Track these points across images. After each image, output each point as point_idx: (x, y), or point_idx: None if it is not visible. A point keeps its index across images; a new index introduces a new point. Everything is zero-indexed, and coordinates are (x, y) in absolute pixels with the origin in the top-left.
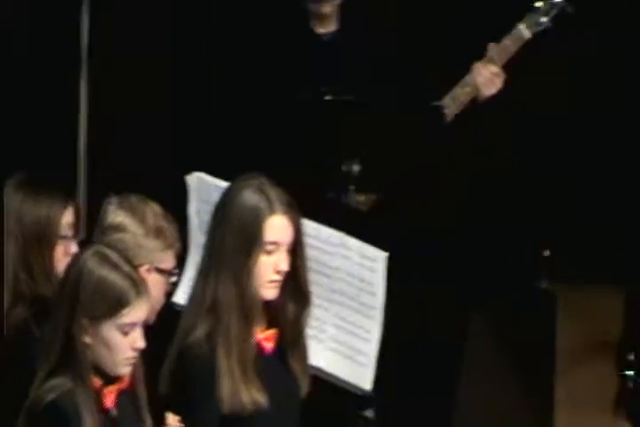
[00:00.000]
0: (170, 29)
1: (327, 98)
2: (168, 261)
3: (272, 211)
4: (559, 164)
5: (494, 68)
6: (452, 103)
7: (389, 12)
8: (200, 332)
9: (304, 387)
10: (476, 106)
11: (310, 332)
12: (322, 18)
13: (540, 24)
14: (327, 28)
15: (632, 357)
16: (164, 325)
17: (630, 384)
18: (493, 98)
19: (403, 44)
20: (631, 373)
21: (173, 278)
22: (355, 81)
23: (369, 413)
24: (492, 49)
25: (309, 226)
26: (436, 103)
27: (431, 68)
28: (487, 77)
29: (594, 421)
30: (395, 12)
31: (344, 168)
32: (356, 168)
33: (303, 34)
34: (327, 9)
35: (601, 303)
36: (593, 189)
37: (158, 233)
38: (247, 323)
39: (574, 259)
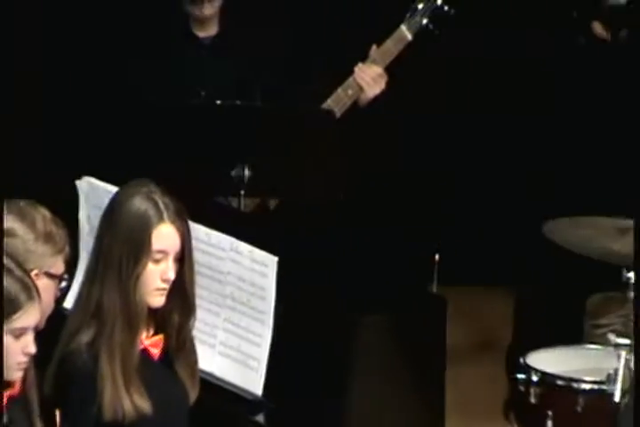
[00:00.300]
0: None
1: (217, 102)
2: (58, 267)
3: (161, 219)
4: (446, 165)
5: (377, 69)
6: (335, 105)
7: (273, 13)
8: (84, 337)
9: (192, 393)
10: (360, 108)
11: (201, 337)
12: (202, 21)
13: (421, 25)
14: (208, 32)
15: (522, 359)
16: (53, 330)
17: (521, 387)
18: (375, 99)
19: (287, 45)
20: (522, 376)
21: (63, 284)
22: (239, 84)
23: (260, 418)
24: (375, 50)
25: (200, 231)
26: (321, 106)
27: (316, 69)
28: (371, 78)
29: (484, 424)
30: (279, 13)
31: (234, 173)
32: (246, 173)
33: (184, 37)
34: (207, 11)
35: (491, 306)
36: (480, 191)
37: (48, 238)
38: (131, 330)
39: (463, 262)
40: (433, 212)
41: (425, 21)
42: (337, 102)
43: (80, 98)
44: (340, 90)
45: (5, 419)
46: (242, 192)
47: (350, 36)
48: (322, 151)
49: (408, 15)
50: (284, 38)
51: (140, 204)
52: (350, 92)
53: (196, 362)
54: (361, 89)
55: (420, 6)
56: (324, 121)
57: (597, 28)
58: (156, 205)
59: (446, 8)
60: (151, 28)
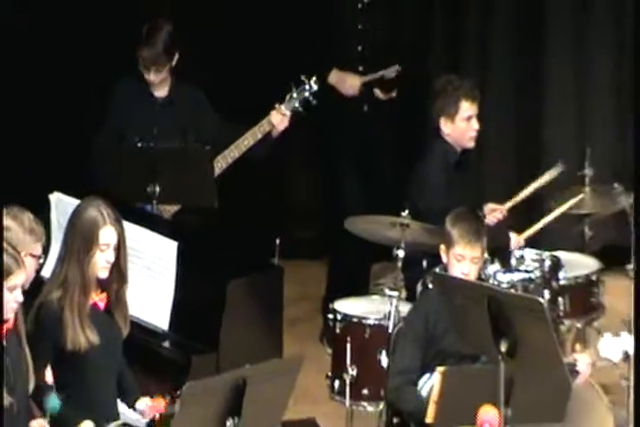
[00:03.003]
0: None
1: (139, 145)
2: (37, 250)
3: (104, 223)
4: (282, 176)
5: (286, 112)
6: (251, 137)
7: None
8: (55, 295)
9: (125, 331)
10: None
11: (131, 294)
12: (154, 84)
13: (294, 107)
14: (161, 93)
15: (331, 305)
16: (34, 289)
17: (330, 323)
18: (283, 133)
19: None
20: (331, 316)
21: (41, 260)
22: (181, 131)
23: (166, 344)
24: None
25: (131, 226)
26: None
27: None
28: (280, 119)
29: (309, 345)
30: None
31: (149, 189)
32: (157, 189)
33: (147, 96)
34: (152, 78)
35: (313, 272)
36: (312, 197)
37: (31, 231)
38: (85, 293)
39: (296, 243)
40: (276, 209)
41: (297, 105)
42: (252, 135)
43: (62, 136)
44: (255, 127)
45: (5, 342)
46: (154, 201)
47: (250, 103)
48: (201, 175)
49: (287, 98)
50: (211, 103)
51: (91, 213)
52: (261, 129)
53: (127, 311)
54: (273, 125)
55: (295, 95)
56: (204, 157)
57: (377, 92)
58: (102, 214)
59: (311, 99)
60: (125, 87)
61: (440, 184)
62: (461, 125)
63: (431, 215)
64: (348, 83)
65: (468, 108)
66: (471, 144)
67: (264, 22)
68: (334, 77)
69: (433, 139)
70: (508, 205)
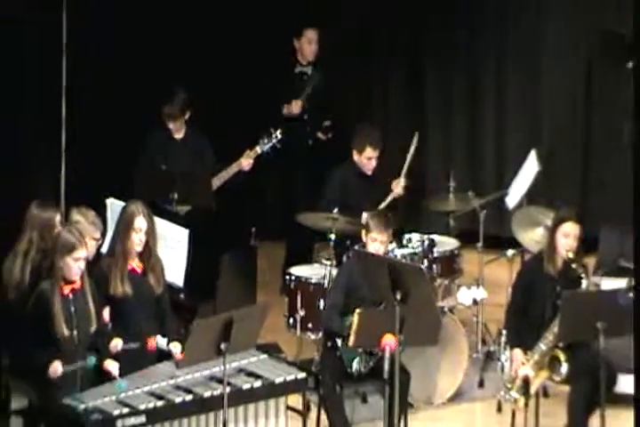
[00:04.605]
0: None
1: (170, 169)
2: (97, 235)
3: (138, 215)
4: (260, 184)
5: (250, 160)
6: (225, 175)
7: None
8: (106, 261)
9: (159, 289)
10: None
11: (165, 262)
12: (174, 129)
13: (263, 150)
14: (179, 135)
15: (288, 271)
16: (95, 260)
17: (287, 282)
18: (249, 171)
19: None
20: (288, 277)
21: (99, 242)
22: (193, 163)
23: (182, 295)
24: (246, 153)
25: (158, 220)
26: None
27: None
28: (248, 163)
29: (273, 297)
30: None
31: (170, 196)
32: (175, 196)
33: (168, 138)
34: (170, 126)
35: (277, 249)
36: (278, 199)
37: (93, 223)
38: (125, 260)
39: (266, 229)
40: (253, 208)
41: (266, 148)
42: (227, 172)
43: (115, 160)
44: (229, 168)
45: (71, 298)
46: (174, 204)
47: (232, 146)
48: (203, 188)
49: (260, 143)
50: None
51: (131, 209)
52: (234, 169)
53: (162, 275)
54: (241, 167)
55: (266, 141)
56: (205, 177)
57: (319, 134)
58: (138, 209)
59: (277, 145)
60: (157, 131)
61: (337, 188)
62: (364, 160)
63: (331, 207)
64: (292, 105)
65: (370, 152)
66: (369, 173)
67: (242, 87)
68: (284, 109)
69: (348, 159)
70: (403, 172)
